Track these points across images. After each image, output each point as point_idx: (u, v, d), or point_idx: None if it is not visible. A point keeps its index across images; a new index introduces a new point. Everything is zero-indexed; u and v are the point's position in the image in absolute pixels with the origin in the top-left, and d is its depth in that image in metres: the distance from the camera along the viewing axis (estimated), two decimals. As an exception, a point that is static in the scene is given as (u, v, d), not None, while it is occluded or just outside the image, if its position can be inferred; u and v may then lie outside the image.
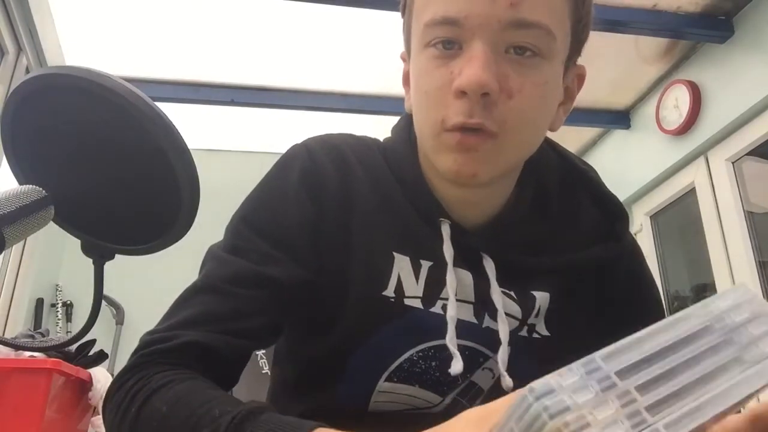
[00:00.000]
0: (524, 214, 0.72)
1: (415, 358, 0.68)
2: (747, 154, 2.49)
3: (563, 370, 0.30)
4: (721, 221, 2.55)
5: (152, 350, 0.60)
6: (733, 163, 2.55)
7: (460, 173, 0.62)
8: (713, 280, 2.57)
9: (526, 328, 0.69)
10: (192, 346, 0.60)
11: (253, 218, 0.69)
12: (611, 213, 0.76)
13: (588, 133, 3.29)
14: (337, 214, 0.69)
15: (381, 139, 0.78)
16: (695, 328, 0.34)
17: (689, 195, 2.77)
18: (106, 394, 0.61)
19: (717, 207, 2.58)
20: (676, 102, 2.70)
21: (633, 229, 3.12)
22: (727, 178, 2.54)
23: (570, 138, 3.29)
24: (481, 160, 0.62)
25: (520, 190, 0.73)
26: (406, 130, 0.74)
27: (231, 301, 0.63)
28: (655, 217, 3.04)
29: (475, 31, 0.59)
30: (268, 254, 0.66)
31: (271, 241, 0.67)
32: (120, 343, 2.94)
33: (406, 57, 0.71)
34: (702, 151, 2.66)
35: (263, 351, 1.35)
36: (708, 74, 2.59)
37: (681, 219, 2.96)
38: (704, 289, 2.74)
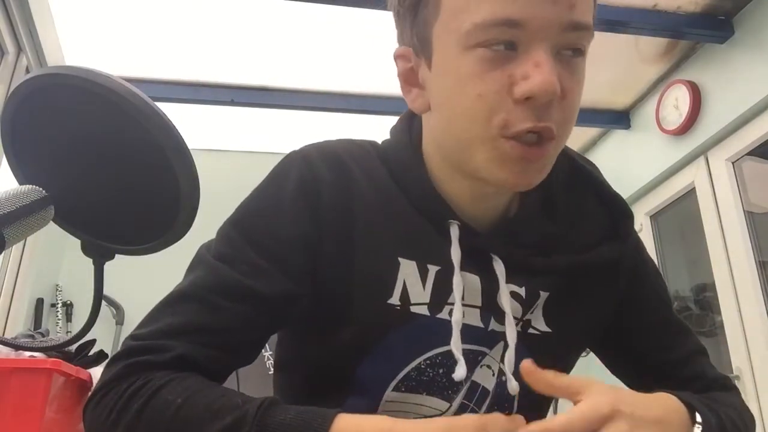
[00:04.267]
0: (533, 214, 0.71)
1: (422, 366, 0.67)
2: (747, 154, 2.49)
3: None
4: (721, 221, 2.55)
5: (141, 361, 0.59)
6: (733, 163, 2.55)
7: (517, 184, 0.62)
8: (713, 280, 2.57)
9: (521, 324, 0.69)
10: (180, 360, 0.59)
11: (246, 226, 0.67)
12: (617, 212, 0.75)
13: (588, 133, 3.29)
14: (337, 225, 0.67)
15: (379, 142, 0.76)
16: None
17: (689, 195, 2.77)
18: (88, 400, 0.59)
19: (717, 207, 2.58)
20: (676, 102, 2.70)
21: (633, 229, 3.12)
22: (727, 178, 2.54)
23: (570, 138, 3.27)
24: (540, 168, 0.62)
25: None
26: (406, 132, 0.73)
27: (216, 313, 0.61)
28: (655, 217, 3.04)
29: (536, 34, 0.57)
30: (257, 266, 0.64)
31: (262, 252, 0.64)
32: (120, 343, 2.94)
33: (411, 55, 0.67)
34: (702, 151, 2.66)
35: (270, 352, 1.34)
36: (708, 74, 2.59)
37: (681, 219, 2.96)
38: (704, 289, 2.74)
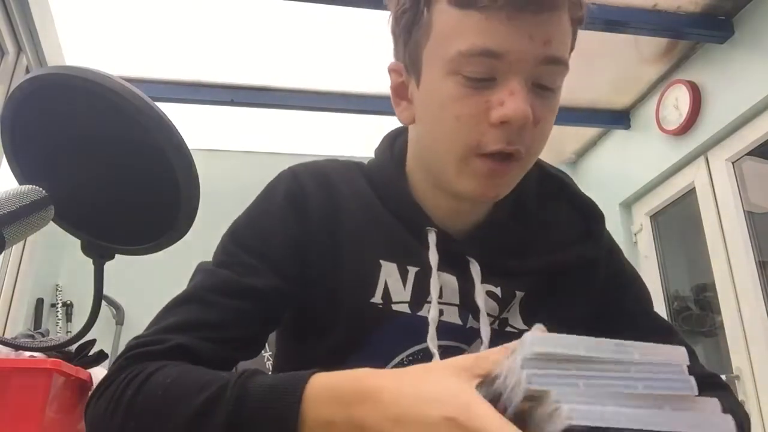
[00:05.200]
0: (506, 220, 0.76)
1: (405, 362, 0.71)
2: (747, 154, 2.49)
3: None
4: (721, 221, 2.55)
5: (139, 352, 0.62)
6: (733, 163, 2.55)
7: (484, 195, 0.68)
8: (713, 280, 2.57)
9: (497, 322, 0.73)
10: (178, 349, 0.62)
11: (239, 235, 0.73)
12: (588, 215, 0.81)
13: (588, 133, 3.29)
14: (324, 230, 0.73)
15: (365, 162, 0.82)
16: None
17: (689, 195, 2.77)
18: (91, 396, 0.61)
19: (717, 207, 2.58)
20: (676, 102, 2.70)
21: (633, 229, 3.12)
22: (727, 178, 2.54)
23: (570, 138, 3.28)
24: (505, 183, 0.68)
25: (502, 199, 0.76)
26: (389, 149, 0.80)
27: (215, 310, 0.66)
28: (655, 217, 3.04)
29: (513, 65, 0.62)
30: (251, 266, 0.69)
31: (254, 254, 0.70)
32: (120, 343, 2.93)
33: (402, 71, 0.72)
34: (702, 151, 2.66)
35: (270, 352, 1.35)
36: (708, 74, 2.59)
37: (681, 219, 2.96)
38: (704, 289, 2.74)
